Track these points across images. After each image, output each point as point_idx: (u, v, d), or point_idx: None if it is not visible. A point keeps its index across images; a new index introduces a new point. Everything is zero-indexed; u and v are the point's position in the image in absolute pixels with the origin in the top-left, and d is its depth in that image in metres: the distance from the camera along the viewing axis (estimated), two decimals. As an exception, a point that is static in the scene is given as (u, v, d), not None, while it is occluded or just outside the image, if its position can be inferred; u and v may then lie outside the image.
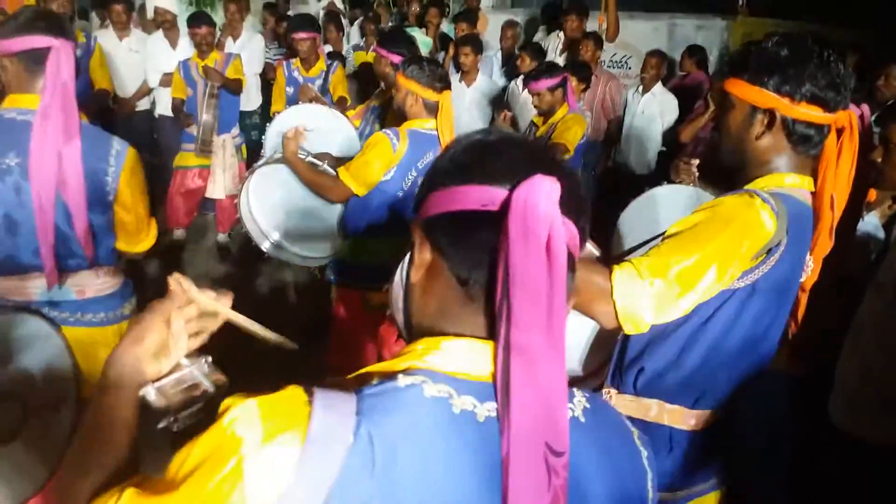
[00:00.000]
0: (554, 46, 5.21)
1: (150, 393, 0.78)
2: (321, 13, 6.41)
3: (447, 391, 0.64)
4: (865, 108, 1.37)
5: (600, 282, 1.15)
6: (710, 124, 3.90)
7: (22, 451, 1.27)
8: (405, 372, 0.66)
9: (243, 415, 0.61)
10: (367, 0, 7.54)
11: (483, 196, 0.65)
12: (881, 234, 2.22)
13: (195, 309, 0.82)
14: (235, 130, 4.62)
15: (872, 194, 2.15)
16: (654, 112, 4.79)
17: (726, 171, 1.40)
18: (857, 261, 2.00)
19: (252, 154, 4.66)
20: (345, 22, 6.11)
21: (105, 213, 1.82)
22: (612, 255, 2.02)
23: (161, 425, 0.79)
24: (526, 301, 0.62)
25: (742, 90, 1.30)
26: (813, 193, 1.36)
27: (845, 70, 1.26)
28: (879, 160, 1.89)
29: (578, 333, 1.68)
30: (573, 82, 3.79)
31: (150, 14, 5.19)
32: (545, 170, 0.64)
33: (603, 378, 1.50)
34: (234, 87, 4.40)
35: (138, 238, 1.93)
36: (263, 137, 3.30)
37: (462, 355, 0.67)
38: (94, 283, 1.88)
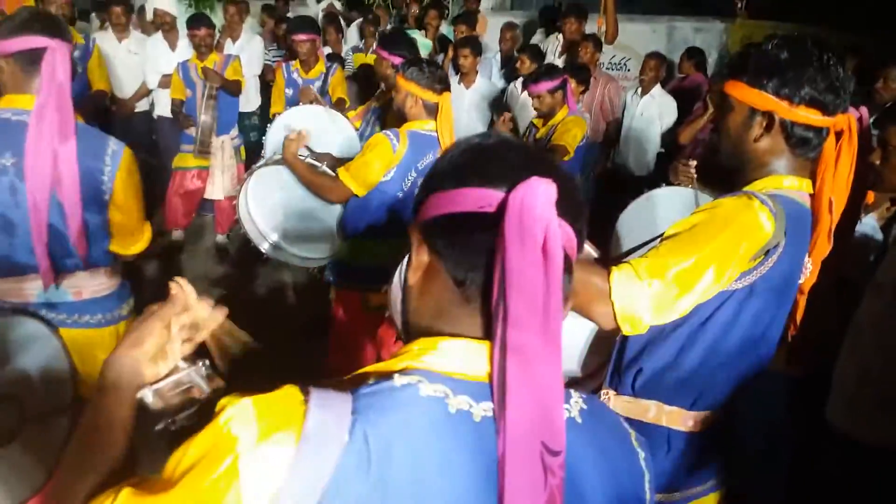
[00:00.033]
0: (553, 48, 5.22)
1: (148, 395, 0.79)
2: (320, 15, 6.41)
3: (443, 391, 0.65)
4: (864, 110, 1.37)
5: (599, 283, 1.15)
6: (710, 126, 3.91)
7: (20, 452, 1.27)
8: (402, 372, 0.66)
9: (239, 414, 0.61)
10: (364, 2, 7.55)
11: (480, 198, 0.66)
12: (879, 236, 2.23)
13: (190, 317, 0.83)
14: (234, 132, 4.62)
15: (870, 196, 2.16)
16: (652, 114, 4.80)
17: (725, 172, 1.40)
18: (855, 262, 2.00)
19: (251, 155, 4.66)
20: (342, 24, 6.11)
21: (101, 213, 1.82)
22: (610, 256, 2.02)
23: (158, 427, 0.79)
24: (522, 301, 0.62)
25: (741, 92, 1.31)
26: (811, 196, 1.36)
27: (845, 73, 1.26)
28: (878, 162, 1.90)
29: (577, 335, 1.68)
30: (572, 84, 3.79)
31: (149, 16, 5.20)
32: (542, 172, 0.65)
33: (602, 379, 1.50)
34: (233, 88, 4.40)
35: (132, 240, 1.93)
36: (264, 138, 3.30)
37: (459, 355, 0.67)
38: (91, 285, 1.88)
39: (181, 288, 0.83)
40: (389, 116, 3.17)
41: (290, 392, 0.63)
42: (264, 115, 5.10)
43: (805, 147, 1.30)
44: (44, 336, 1.36)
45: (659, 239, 1.27)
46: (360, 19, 6.27)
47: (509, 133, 3.59)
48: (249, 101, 5.25)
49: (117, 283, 1.96)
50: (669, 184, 2.56)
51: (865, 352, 1.75)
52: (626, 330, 1.18)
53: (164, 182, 4.64)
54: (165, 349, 0.81)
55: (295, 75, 4.30)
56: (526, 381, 0.63)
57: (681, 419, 1.39)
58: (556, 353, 0.64)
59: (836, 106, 1.26)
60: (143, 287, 3.90)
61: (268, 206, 2.85)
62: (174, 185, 4.58)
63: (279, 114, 3.51)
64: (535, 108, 3.58)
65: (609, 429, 0.77)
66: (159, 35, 4.91)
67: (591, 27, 5.24)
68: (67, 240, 1.76)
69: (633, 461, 0.77)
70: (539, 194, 0.62)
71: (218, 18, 5.78)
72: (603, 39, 5.08)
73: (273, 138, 3.15)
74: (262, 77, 5.43)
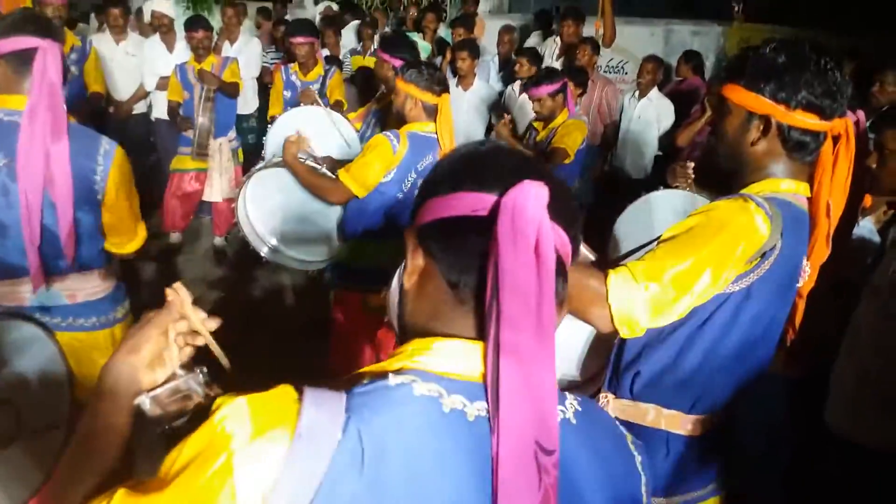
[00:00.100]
0: (551, 51, 5.23)
1: (145, 402, 0.79)
2: (317, 17, 6.42)
3: (437, 390, 0.65)
4: (861, 114, 1.37)
5: (596, 286, 1.16)
6: (707, 129, 3.91)
7: (17, 455, 1.27)
8: (396, 372, 0.67)
9: (233, 412, 0.62)
10: (358, 6, 7.55)
11: (474, 202, 0.67)
12: (876, 239, 2.23)
13: (186, 324, 0.84)
14: (232, 134, 4.62)
15: (868, 199, 2.16)
16: (650, 117, 4.81)
17: (723, 175, 1.41)
18: (852, 265, 2.00)
19: (249, 157, 4.66)
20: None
21: (93, 213, 1.82)
22: (608, 259, 2.02)
23: (157, 432, 0.79)
24: (515, 302, 0.63)
25: (739, 96, 1.31)
26: (809, 199, 1.36)
27: (842, 77, 1.26)
28: (874, 166, 1.90)
29: (576, 338, 1.68)
30: (570, 87, 3.80)
31: (147, 18, 5.20)
32: (534, 177, 0.66)
33: (601, 383, 1.50)
34: (231, 90, 4.40)
35: (127, 238, 1.93)
36: (264, 139, 3.30)
37: (453, 355, 0.68)
38: (86, 288, 1.87)
39: (177, 294, 0.83)
40: (389, 118, 3.18)
41: (284, 391, 0.64)
42: (262, 118, 5.10)
43: (802, 151, 1.31)
44: (40, 340, 1.36)
45: (655, 242, 1.27)
46: (357, 22, 6.28)
47: (509, 135, 3.60)
48: (247, 103, 5.25)
49: (112, 286, 1.96)
50: (667, 187, 2.56)
51: (864, 354, 1.76)
52: (624, 333, 1.18)
53: (162, 184, 4.63)
54: (163, 356, 0.81)
55: (293, 78, 4.30)
56: (519, 381, 0.64)
57: (680, 423, 1.39)
58: (549, 353, 0.65)
59: (833, 110, 1.26)
60: (140, 289, 3.89)
61: (266, 209, 2.85)
62: (172, 188, 4.57)
63: (277, 116, 3.52)
64: (535, 112, 3.59)
65: (604, 431, 0.77)
66: (157, 37, 4.91)
67: (588, 30, 5.25)
68: (60, 241, 1.76)
69: (629, 463, 0.77)
70: (531, 196, 0.63)
71: (216, 21, 5.78)
72: (601, 42, 5.09)
73: (273, 139, 3.14)
74: (260, 79, 5.43)
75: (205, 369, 0.84)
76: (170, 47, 4.87)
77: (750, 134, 1.31)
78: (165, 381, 0.81)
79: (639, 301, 1.15)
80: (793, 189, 1.32)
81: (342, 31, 5.92)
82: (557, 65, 4.88)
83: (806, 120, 1.27)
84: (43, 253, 1.74)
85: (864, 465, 1.72)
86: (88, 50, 4.35)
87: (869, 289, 1.79)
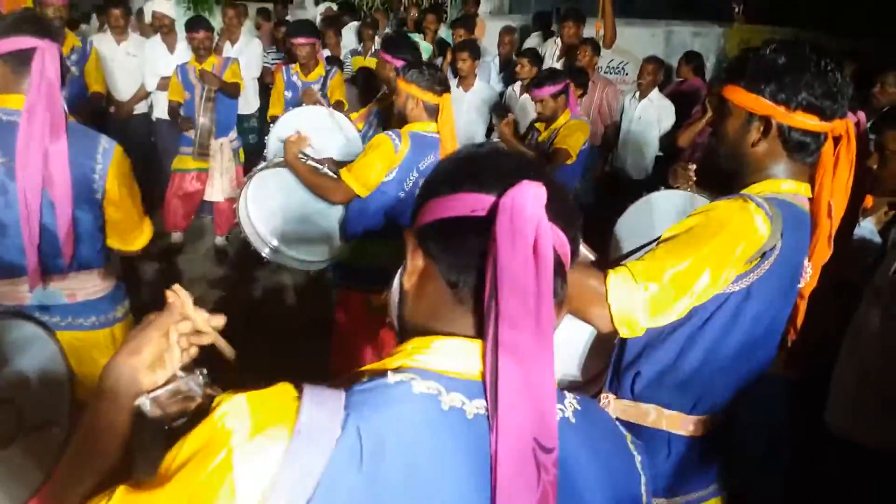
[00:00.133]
0: (551, 52, 5.23)
1: (146, 403, 0.79)
2: (318, 18, 6.42)
3: (436, 388, 0.66)
4: (861, 115, 1.37)
5: (595, 285, 1.16)
6: (708, 130, 3.91)
7: (18, 455, 1.27)
8: (395, 370, 0.67)
9: (233, 409, 0.62)
10: (357, 7, 7.56)
11: (473, 203, 0.68)
12: (877, 240, 2.23)
13: (189, 325, 0.84)
14: (233, 134, 4.62)
15: (869, 200, 2.16)
16: (650, 118, 4.81)
17: (724, 176, 1.41)
18: (853, 266, 2.00)
19: (250, 157, 4.67)
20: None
21: (93, 212, 1.82)
22: (609, 259, 2.03)
23: (155, 434, 0.79)
24: (514, 300, 0.64)
25: (739, 97, 1.31)
26: (811, 200, 1.36)
27: (843, 79, 1.26)
28: (875, 167, 1.90)
29: (577, 339, 1.68)
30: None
31: (147, 18, 5.21)
32: (533, 178, 0.67)
33: (603, 384, 1.50)
34: (231, 90, 4.40)
35: (132, 235, 1.93)
36: (266, 138, 3.31)
37: (452, 354, 0.68)
38: (85, 287, 1.88)
39: (178, 296, 0.83)
40: (391, 119, 3.18)
41: (283, 388, 0.64)
42: (263, 118, 5.10)
43: (803, 152, 1.31)
44: (41, 339, 1.36)
45: (655, 242, 1.27)
46: (357, 23, 6.29)
47: (511, 135, 3.60)
48: (248, 103, 5.25)
49: (111, 286, 1.96)
50: (668, 187, 2.57)
51: (864, 354, 1.76)
52: (623, 332, 1.18)
53: (163, 184, 4.64)
54: (164, 358, 0.82)
55: (294, 78, 4.31)
56: (518, 379, 0.64)
57: (681, 423, 1.39)
58: (548, 351, 0.65)
59: (833, 111, 1.26)
60: (142, 289, 3.90)
61: (268, 209, 2.85)
62: (173, 187, 4.58)
63: (277, 116, 3.52)
64: (538, 113, 3.60)
65: (604, 430, 0.77)
66: (158, 37, 4.91)
67: (589, 31, 5.25)
68: (59, 240, 1.76)
69: (629, 463, 0.77)
70: (529, 196, 0.64)
71: (216, 21, 5.79)
72: (601, 43, 5.09)
73: (275, 139, 3.15)
74: (261, 80, 5.44)
75: (205, 371, 0.85)
76: (171, 48, 4.88)
77: (750, 135, 1.31)
78: (166, 383, 0.82)
79: (638, 301, 1.15)
80: (794, 190, 1.33)
81: (342, 31, 5.93)
82: (558, 66, 4.88)
83: (806, 121, 1.27)
84: (42, 252, 1.74)
85: (864, 465, 1.72)
86: (89, 50, 4.36)
87: (870, 289, 1.79)
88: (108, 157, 1.81)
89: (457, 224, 0.69)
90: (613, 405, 1.43)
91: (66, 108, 1.78)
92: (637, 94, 4.87)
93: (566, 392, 0.76)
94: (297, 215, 2.82)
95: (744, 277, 1.27)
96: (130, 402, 0.79)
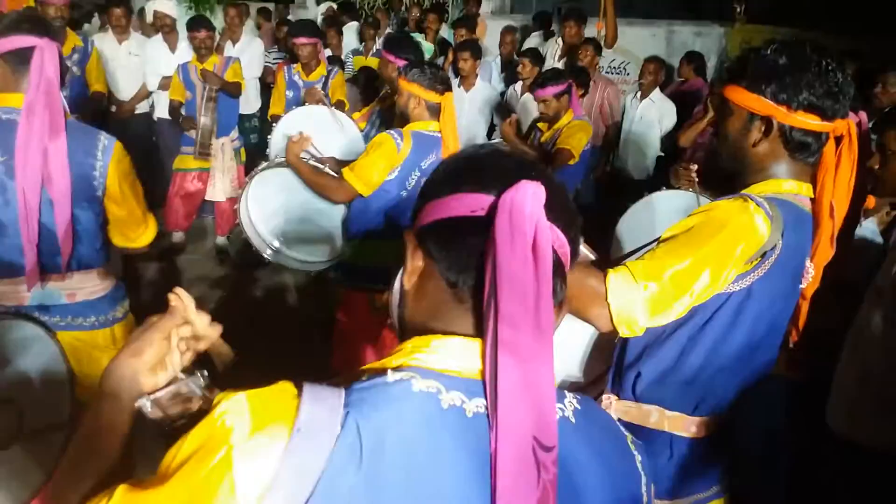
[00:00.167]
0: (552, 52, 5.23)
1: (147, 405, 0.80)
2: (320, 18, 6.42)
3: (436, 386, 0.66)
4: (863, 115, 1.37)
5: (595, 285, 1.16)
6: (710, 130, 3.91)
7: (19, 455, 1.27)
8: (395, 368, 0.67)
9: (233, 407, 0.62)
10: (357, 7, 7.56)
11: (472, 203, 0.69)
12: (879, 240, 2.23)
13: (189, 329, 0.85)
14: (234, 134, 4.62)
15: (871, 201, 2.16)
16: (652, 118, 4.81)
17: (725, 176, 1.41)
18: (855, 266, 2.00)
19: (251, 157, 4.67)
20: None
21: (93, 210, 1.82)
22: (609, 259, 2.02)
23: (156, 435, 0.80)
24: (513, 298, 0.64)
25: (740, 97, 1.31)
26: (812, 200, 1.36)
27: (844, 78, 1.26)
28: (877, 167, 1.90)
29: (579, 340, 1.68)
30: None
31: (149, 18, 5.21)
32: (532, 178, 0.67)
33: (605, 385, 1.50)
34: (233, 90, 4.41)
35: (136, 232, 1.93)
36: (269, 137, 3.31)
37: (451, 353, 0.69)
38: (85, 287, 1.88)
39: (180, 299, 0.84)
40: (393, 118, 3.18)
41: (283, 387, 0.64)
42: (264, 118, 5.11)
43: (804, 152, 1.30)
44: (42, 339, 1.36)
45: (655, 242, 1.27)
46: (357, 23, 6.29)
47: (514, 134, 3.60)
48: (249, 103, 5.26)
49: (111, 286, 1.96)
50: (669, 187, 2.56)
51: (866, 355, 1.75)
52: (623, 332, 1.18)
53: (165, 184, 4.64)
54: (165, 360, 0.82)
55: (296, 78, 4.31)
56: (518, 378, 0.64)
57: (683, 425, 1.39)
58: (547, 350, 0.65)
59: (834, 111, 1.26)
60: (142, 289, 3.90)
61: (269, 209, 2.85)
62: (174, 187, 4.58)
63: (278, 115, 3.52)
64: (540, 113, 3.60)
65: (604, 430, 0.77)
66: (159, 37, 4.92)
67: (590, 31, 5.25)
68: (58, 238, 1.76)
69: (629, 463, 0.77)
70: (528, 195, 0.65)
71: (218, 21, 5.79)
72: (602, 43, 5.09)
73: (278, 139, 3.15)
74: (263, 79, 5.44)
75: (206, 373, 0.85)
76: (172, 47, 4.88)
77: (752, 135, 1.31)
78: (167, 385, 0.82)
79: (638, 300, 1.15)
80: (795, 190, 1.32)
81: (343, 31, 5.93)
82: (559, 65, 4.88)
83: (807, 121, 1.26)
84: (41, 251, 1.74)
85: (865, 466, 1.72)
86: (91, 50, 4.37)
87: (872, 290, 1.79)
88: (108, 153, 1.81)
89: (456, 224, 0.69)
90: (615, 406, 1.43)
91: (66, 106, 1.79)
92: (638, 94, 4.87)
93: (566, 392, 0.76)
94: (299, 215, 2.82)
95: (744, 277, 1.27)
96: (131, 403, 0.79)
